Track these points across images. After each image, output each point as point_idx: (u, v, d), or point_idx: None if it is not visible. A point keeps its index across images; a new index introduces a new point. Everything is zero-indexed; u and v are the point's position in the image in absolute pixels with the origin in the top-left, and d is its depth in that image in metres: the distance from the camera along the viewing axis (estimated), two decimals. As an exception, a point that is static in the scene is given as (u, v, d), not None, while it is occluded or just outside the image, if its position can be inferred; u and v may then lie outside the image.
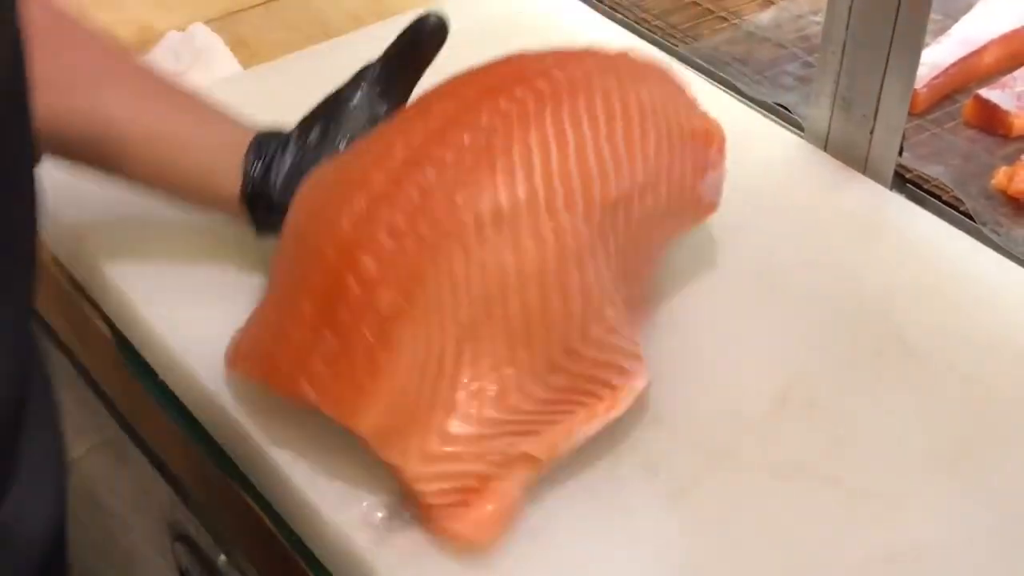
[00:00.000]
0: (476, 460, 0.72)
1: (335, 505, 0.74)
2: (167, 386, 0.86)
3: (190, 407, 0.84)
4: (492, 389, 0.72)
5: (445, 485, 0.71)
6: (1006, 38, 1.16)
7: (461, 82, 0.78)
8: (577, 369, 0.74)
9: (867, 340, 0.87)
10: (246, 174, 0.83)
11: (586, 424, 0.75)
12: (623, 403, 0.76)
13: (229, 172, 0.84)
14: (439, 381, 0.71)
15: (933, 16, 1.17)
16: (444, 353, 0.71)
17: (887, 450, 0.80)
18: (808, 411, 0.82)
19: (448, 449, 0.71)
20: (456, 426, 0.71)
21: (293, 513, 0.77)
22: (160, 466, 0.97)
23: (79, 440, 1.13)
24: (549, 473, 0.75)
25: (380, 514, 0.74)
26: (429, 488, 0.71)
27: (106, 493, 1.19)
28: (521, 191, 0.72)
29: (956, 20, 1.20)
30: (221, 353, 0.80)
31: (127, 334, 0.89)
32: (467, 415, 0.71)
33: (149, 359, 0.87)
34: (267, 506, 0.79)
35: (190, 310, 0.86)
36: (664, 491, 0.76)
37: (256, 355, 0.76)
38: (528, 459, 0.73)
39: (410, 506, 0.73)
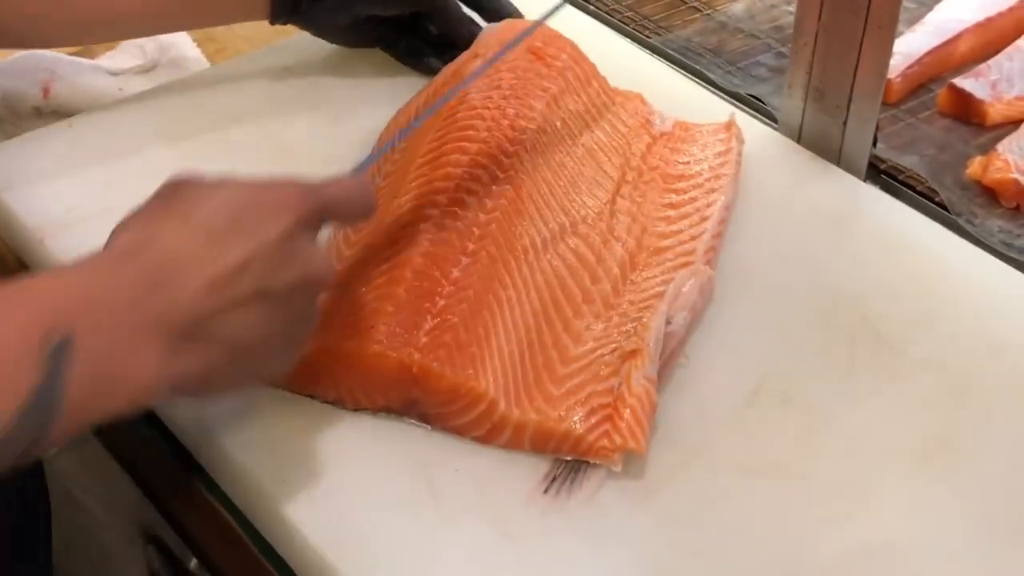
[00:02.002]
0: (593, 378, 0.79)
1: (304, 509, 0.73)
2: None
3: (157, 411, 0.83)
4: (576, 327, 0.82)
5: (581, 412, 0.77)
6: (980, 26, 1.15)
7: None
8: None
9: (841, 333, 0.86)
10: None
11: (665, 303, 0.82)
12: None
13: None
14: (531, 336, 0.81)
15: (907, 4, 1.17)
16: (528, 318, 0.81)
17: (861, 444, 0.79)
18: (781, 406, 0.81)
19: (565, 384, 0.79)
20: (559, 368, 0.80)
21: (262, 518, 0.76)
22: (128, 467, 0.96)
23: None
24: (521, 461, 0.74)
25: (544, 489, 0.75)
26: (572, 421, 0.77)
27: (81, 492, 1.18)
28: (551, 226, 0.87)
29: (930, 8, 1.20)
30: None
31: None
32: (564, 354, 0.81)
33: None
34: (235, 510, 0.78)
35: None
36: (636, 489, 0.76)
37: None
38: (634, 354, 0.78)
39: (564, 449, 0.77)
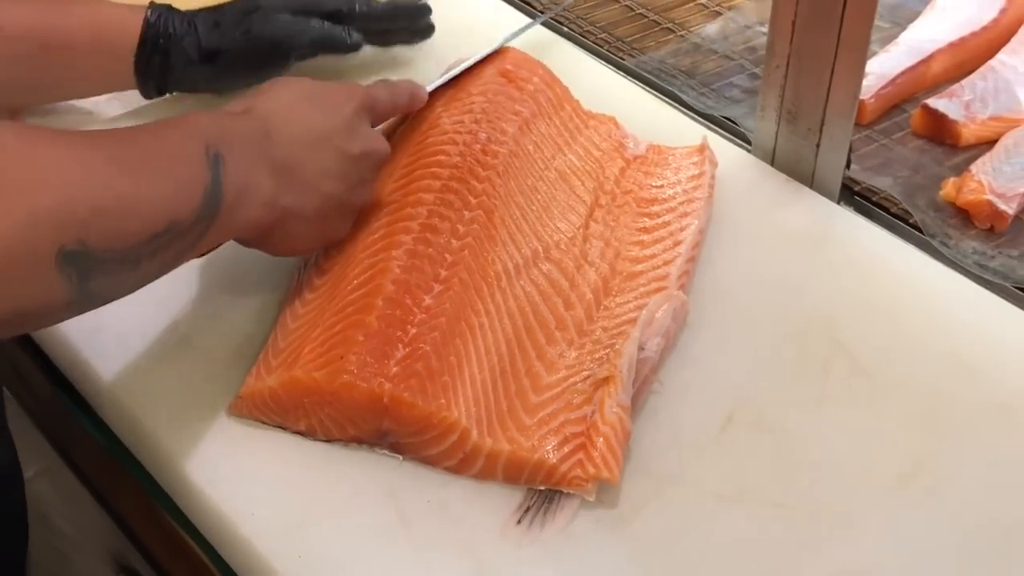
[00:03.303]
0: (566, 407, 0.79)
1: (274, 541, 0.73)
2: (105, 423, 0.84)
3: (125, 441, 0.83)
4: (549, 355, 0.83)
5: (555, 441, 0.77)
6: (953, 46, 1.15)
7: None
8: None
9: (815, 357, 0.86)
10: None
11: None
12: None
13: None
14: (503, 364, 0.81)
15: (880, 24, 1.17)
16: (500, 345, 0.81)
17: (836, 469, 0.79)
18: (756, 432, 0.81)
19: (538, 414, 0.79)
20: (532, 396, 0.80)
21: (232, 550, 0.75)
22: (100, 497, 0.95)
23: (27, 463, 1.11)
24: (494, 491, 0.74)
25: (517, 520, 0.75)
26: (545, 451, 0.76)
27: (57, 517, 1.17)
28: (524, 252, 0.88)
29: (904, 28, 1.20)
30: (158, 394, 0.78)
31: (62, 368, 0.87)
32: (536, 382, 0.81)
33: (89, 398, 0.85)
34: (205, 542, 0.78)
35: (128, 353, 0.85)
36: (610, 518, 0.75)
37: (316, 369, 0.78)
38: (607, 381, 0.78)
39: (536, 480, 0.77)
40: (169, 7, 1.00)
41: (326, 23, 1.06)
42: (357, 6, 1.08)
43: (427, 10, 1.13)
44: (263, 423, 0.79)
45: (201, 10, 1.03)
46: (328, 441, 0.78)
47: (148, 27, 0.98)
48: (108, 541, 0.99)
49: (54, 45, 0.96)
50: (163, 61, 0.99)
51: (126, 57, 0.99)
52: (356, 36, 1.07)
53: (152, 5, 1.00)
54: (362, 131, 0.86)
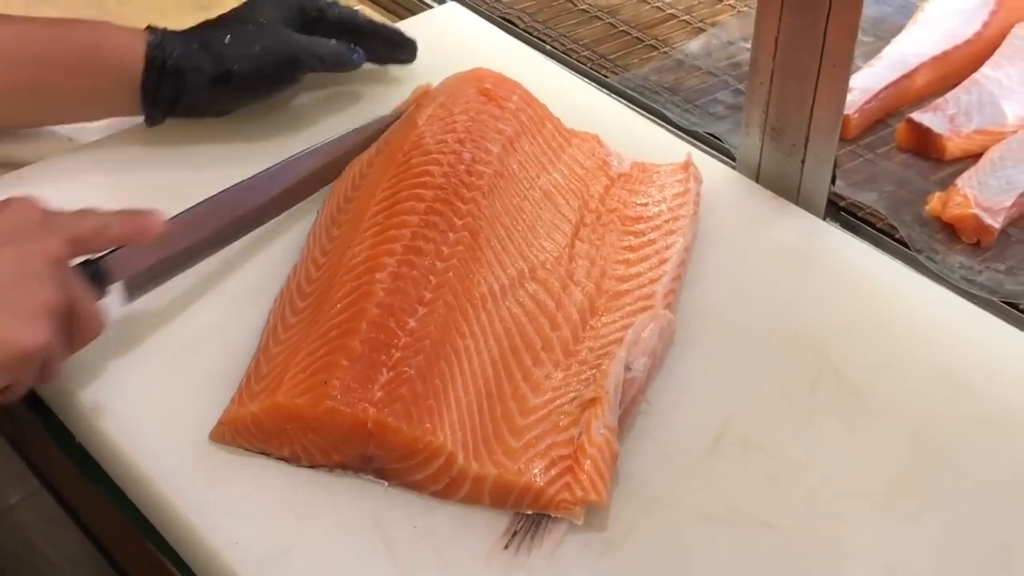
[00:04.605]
0: (553, 429, 0.78)
1: (258, 570, 0.72)
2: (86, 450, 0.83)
3: (107, 469, 0.82)
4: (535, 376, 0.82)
5: (541, 464, 0.76)
6: (937, 60, 1.15)
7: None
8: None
9: (803, 375, 0.85)
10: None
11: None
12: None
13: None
14: (489, 386, 0.80)
15: (864, 38, 1.17)
16: (486, 367, 0.80)
17: (825, 489, 0.78)
18: (744, 452, 0.80)
19: (524, 436, 0.78)
20: (518, 419, 0.79)
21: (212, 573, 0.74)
22: (82, 524, 0.94)
23: (10, 489, 1.10)
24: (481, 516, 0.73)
25: (504, 545, 0.74)
26: (532, 474, 0.75)
27: (42, 542, 1.17)
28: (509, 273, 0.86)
29: (887, 42, 1.20)
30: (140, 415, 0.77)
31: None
32: (523, 404, 0.80)
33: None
34: (188, 571, 0.76)
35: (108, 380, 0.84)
36: (598, 541, 0.74)
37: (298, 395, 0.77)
38: (594, 402, 0.77)
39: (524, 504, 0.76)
40: (165, 30, 0.99)
41: (332, 40, 1.05)
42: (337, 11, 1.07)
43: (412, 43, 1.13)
44: (245, 449, 0.78)
45: (196, 29, 1.02)
46: (312, 467, 0.77)
47: (152, 50, 0.97)
48: (92, 567, 0.98)
49: (54, 67, 0.94)
50: (173, 83, 0.98)
51: (131, 82, 0.97)
52: (359, 54, 1.06)
53: (150, 28, 0.98)
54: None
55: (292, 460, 0.78)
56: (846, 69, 0.92)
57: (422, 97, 1.02)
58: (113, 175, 1.01)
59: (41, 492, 1.06)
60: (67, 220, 0.77)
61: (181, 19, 1.29)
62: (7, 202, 0.76)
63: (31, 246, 0.74)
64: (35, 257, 0.73)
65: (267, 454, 0.78)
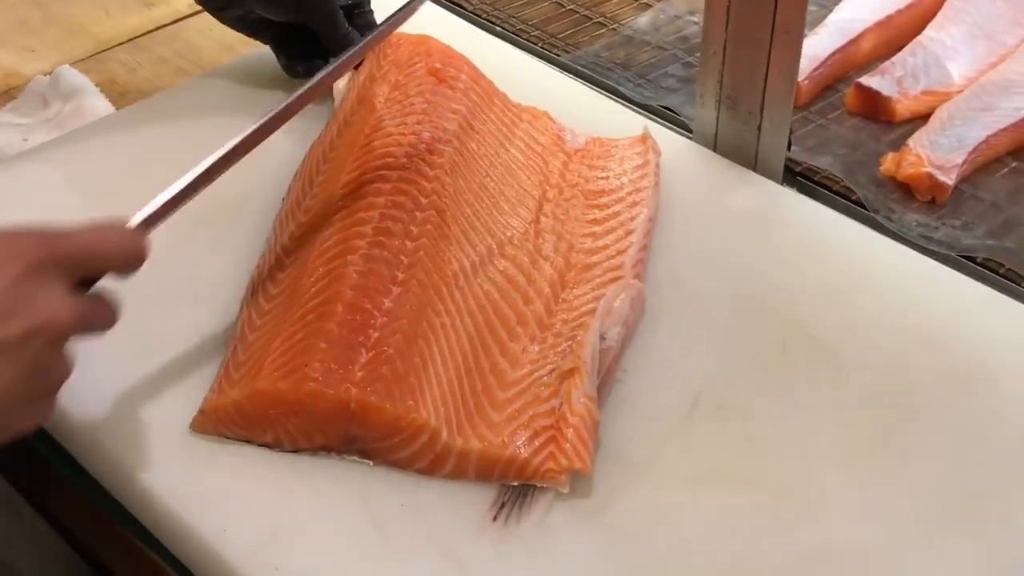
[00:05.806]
0: (534, 401, 0.79)
1: (246, 557, 0.72)
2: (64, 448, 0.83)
3: (86, 465, 0.81)
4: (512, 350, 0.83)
5: (525, 436, 0.77)
6: (881, 24, 1.17)
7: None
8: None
9: (772, 337, 0.87)
10: None
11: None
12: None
13: None
14: (468, 362, 0.81)
15: (808, 7, 1.18)
16: (463, 344, 0.81)
17: (803, 447, 0.79)
18: (721, 414, 0.81)
19: (506, 409, 0.78)
20: (499, 393, 0.79)
21: (204, 569, 0.74)
22: (63, 529, 0.93)
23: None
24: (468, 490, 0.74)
25: (492, 517, 0.74)
26: (516, 446, 0.76)
27: (15, 558, 1.15)
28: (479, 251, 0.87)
29: (830, 10, 1.21)
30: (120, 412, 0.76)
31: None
32: (502, 378, 0.81)
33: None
34: (177, 563, 0.76)
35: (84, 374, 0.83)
36: (585, 508, 0.75)
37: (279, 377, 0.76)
38: (572, 373, 0.78)
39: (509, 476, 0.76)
40: None
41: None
42: None
43: None
44: (227, 437, 0.78)
45: None
46: (296, 451, 0.78)
47: None
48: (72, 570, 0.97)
49: None
50: None
51: None
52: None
53: None
54: (28, 303, 0.65)
55: (275, 445, 0.78)
56: (798, 35, 0.94)
57: (372, 68, 1.02)
58: (68, 174, 1.00)
59: (14, 506, 1.05)
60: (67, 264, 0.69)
61: (125, 19, 1.29)
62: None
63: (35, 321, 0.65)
64: (40, 338, 0.66)
65: (249, 441, 0.78)
